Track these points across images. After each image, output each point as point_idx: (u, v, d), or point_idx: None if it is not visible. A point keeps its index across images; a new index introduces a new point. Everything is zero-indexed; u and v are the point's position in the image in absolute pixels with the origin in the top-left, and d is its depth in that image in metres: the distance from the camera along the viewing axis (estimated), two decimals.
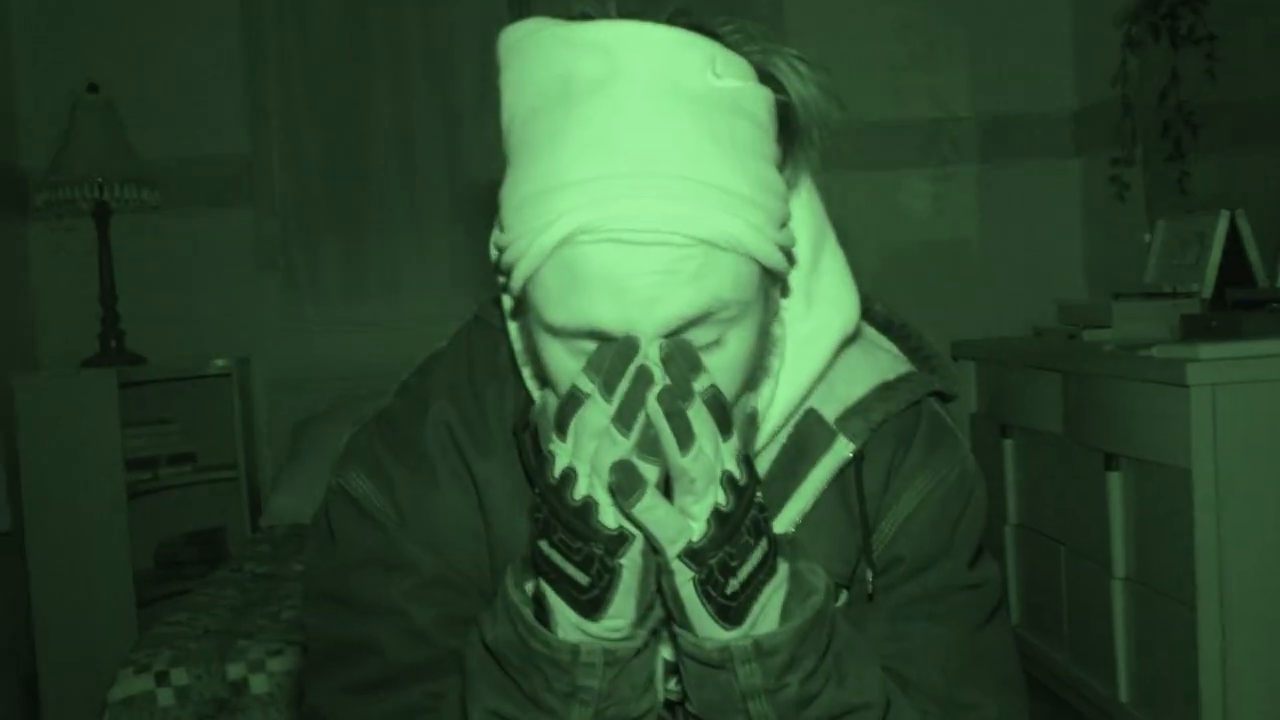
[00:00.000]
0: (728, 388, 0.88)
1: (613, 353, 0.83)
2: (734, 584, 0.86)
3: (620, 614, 0.88)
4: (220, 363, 3.61)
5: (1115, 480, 2.59)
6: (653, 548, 0.86)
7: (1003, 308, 3.88)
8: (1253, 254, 2.85)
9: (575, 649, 0.89)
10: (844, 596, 1.06)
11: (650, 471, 0.83)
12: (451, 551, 1.04)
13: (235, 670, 2.23)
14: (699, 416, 0.83)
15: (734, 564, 0.86)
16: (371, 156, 3.81)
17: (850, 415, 1.04)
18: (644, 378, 0.83)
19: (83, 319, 3.58)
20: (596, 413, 0.84)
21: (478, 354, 1.09)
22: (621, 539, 0.85)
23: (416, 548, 1.04)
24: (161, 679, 2.20)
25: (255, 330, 3.84)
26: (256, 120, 3.80)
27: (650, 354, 0.83)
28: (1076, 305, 3.25)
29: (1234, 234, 2.86)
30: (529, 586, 0.92)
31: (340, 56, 3.81)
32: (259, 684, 2.23)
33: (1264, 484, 2.27)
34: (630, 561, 0.86)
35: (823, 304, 1.03)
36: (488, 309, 1.12)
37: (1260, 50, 2.95)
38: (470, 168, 3.80)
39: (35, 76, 3.70)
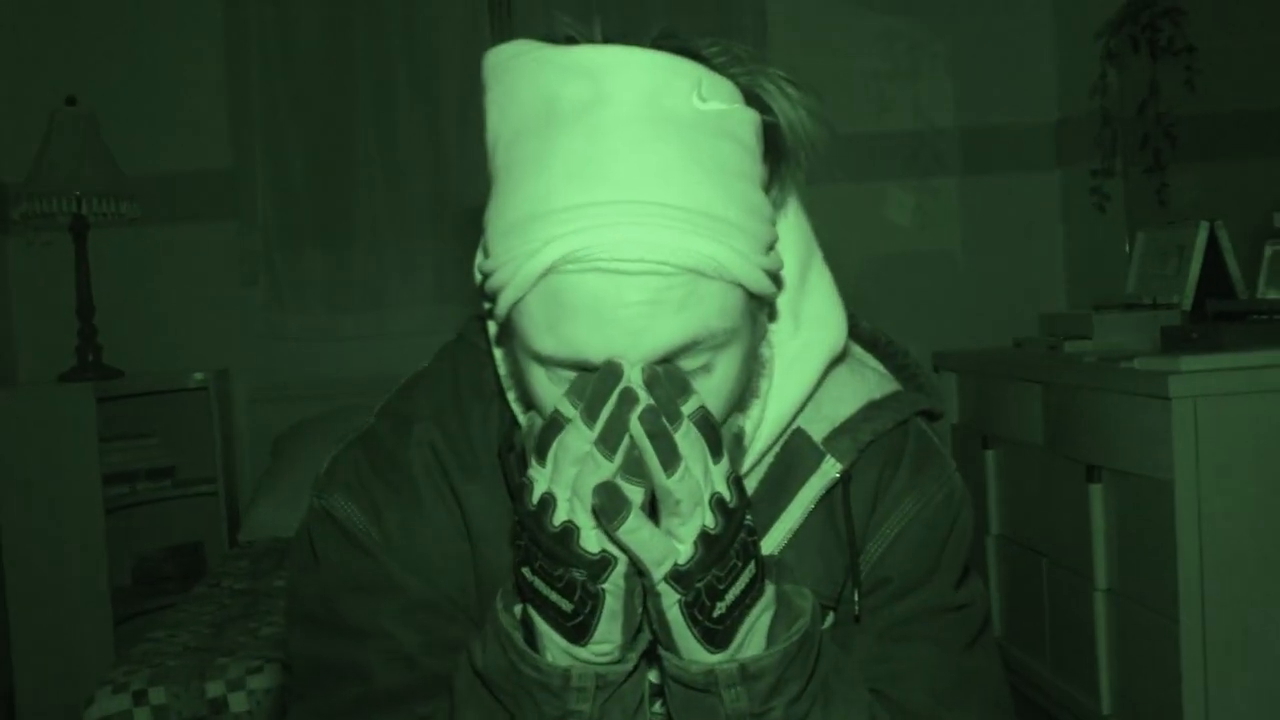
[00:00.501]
0: (716, 411, 0.87)
1: (596, 378, 0.83)
2: (721, 607, 0.86)
3: (606, 639, 0.87)
4: (199, 376, 3.58)
5: (1097, 492, 2.59)
6: (638, 571, 0.86)
7: (984, 319, 3.89)
8: (1232, 265, 2.86)
9: (566, 674, 0.88)
10: (830, 618, 1.05)
11: (635, 494, 0.82)
12: (437, 575, 1.03)
13: (214, 688, 2.21)
14: (687, 438, 0.82)
15: (721, 587, 0.85)
16: (355, 170, 3.79)
17: (838, 435, 1.04)
18: (628, 400, 0.82)
19: (60, 333, 3.56)
20: (577, 438, 0.83)
21: (462, 374, 1.08)
22: (604, 563, 0.84)
23: (401, 571, 1.03)
24: (139, 698, 2.18)
25: (235, 344, 3.81)
26: (239, 133, 3.77)
27: (633, 378, 0.83)
28: (1057, 316, 3.26)
29: (1213, 245, 2.87)
30: (518, 610, 0.91)
31: (324, 70, 3.79)
32: (238, 702, 2.21)
33: (1245, 496, 2.27)
34: (613, 586, 0.85)
35: (810, 324, 1.02)
36: (471, 328, 1.11)
37: (1239, 62, 2.96)
38: (454, 182, 3.78)
39: (13, 88, 3.68)
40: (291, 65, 3.78)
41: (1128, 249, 3.29)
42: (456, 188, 3.78)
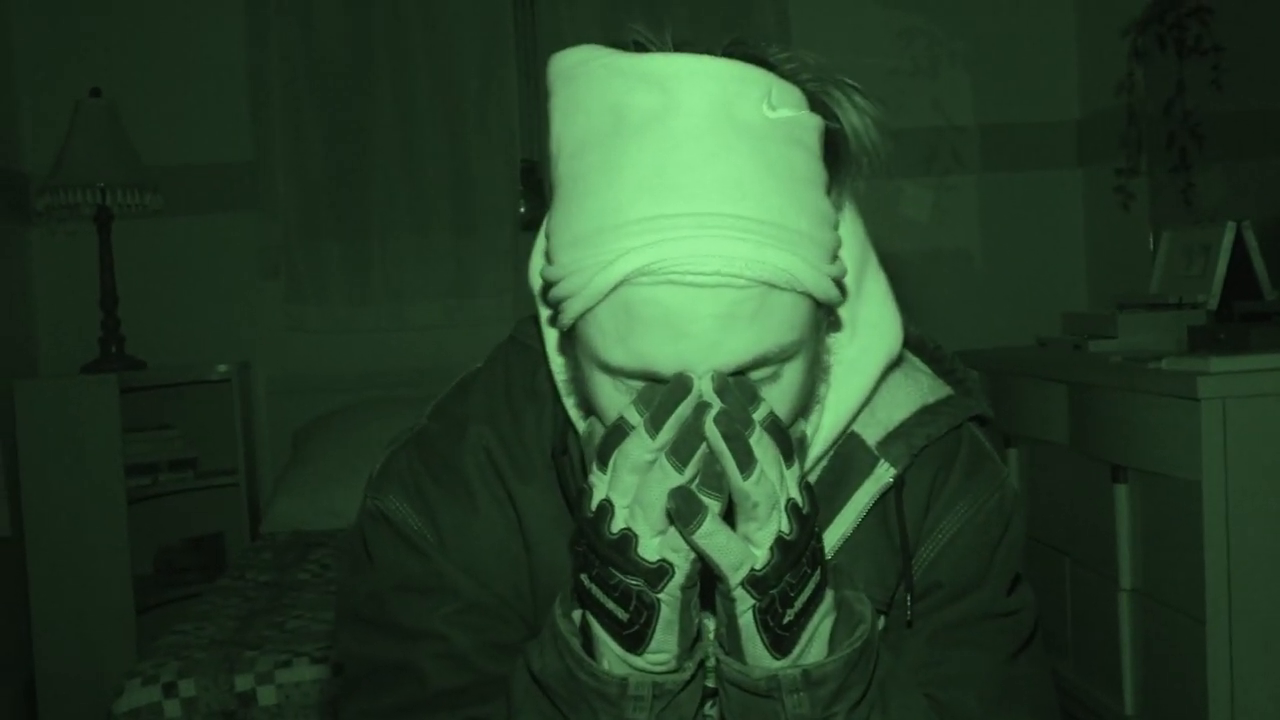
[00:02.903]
0: (783, 418, 0.87)
1: (665, 391, 0.82)
2: (790, 614, 0.86)
3: (663, 648, 0.87)
4: (221, 368, 3.59)
5: (1122, 492, 2.59)
6: (707, 579, 0.85)
7: (1006, 318, 3.89)
8: (1259, 265, 2.85)
9: (623, 682, 0.88)
10: (882, 621, 1.06)
11: (713, 505, 0.82)
12: (491, 576, 1.04)
13: (243, 682, 2.22)
14: (761, 443, 0.82)
15: (793, 594, 0.85)
16: (375, 161, 3.79)
17: (891, 439, 1.04)
18: (701, 410, 0.82)
19: (83, 324, 3.58)
20: (638, 446, 0.83)
21: (515, 376, 1.09)
22: (661, 572, 0.84)
23: (456, 572, 1.03)
24: (169, 690, 2.19)
25: (257, 336, 3.82)
26: (260, 125, 3.77)
27: (704, 388, 0.82)
28: (1081, 316, 3.25)
29: (1240, 245, 2.86)
30: (577, 616, 0.92)
31: (344, 61, 3.79)
32: (267, 696, 2.21)
33: (1274, 497, 2.26)
34: (669, 596, 0.85)
35: (867, 329, 1.02)
36: (524, 330, 1.11)
37: (1266, 61, 2.95)
38: (474, 174, 3.78)
39: (38, 80, 3.69)
40: (312, 58, 3.78)
41: (1152, 248, 3.28)
42: (477, 180, 3.77)
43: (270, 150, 3.78)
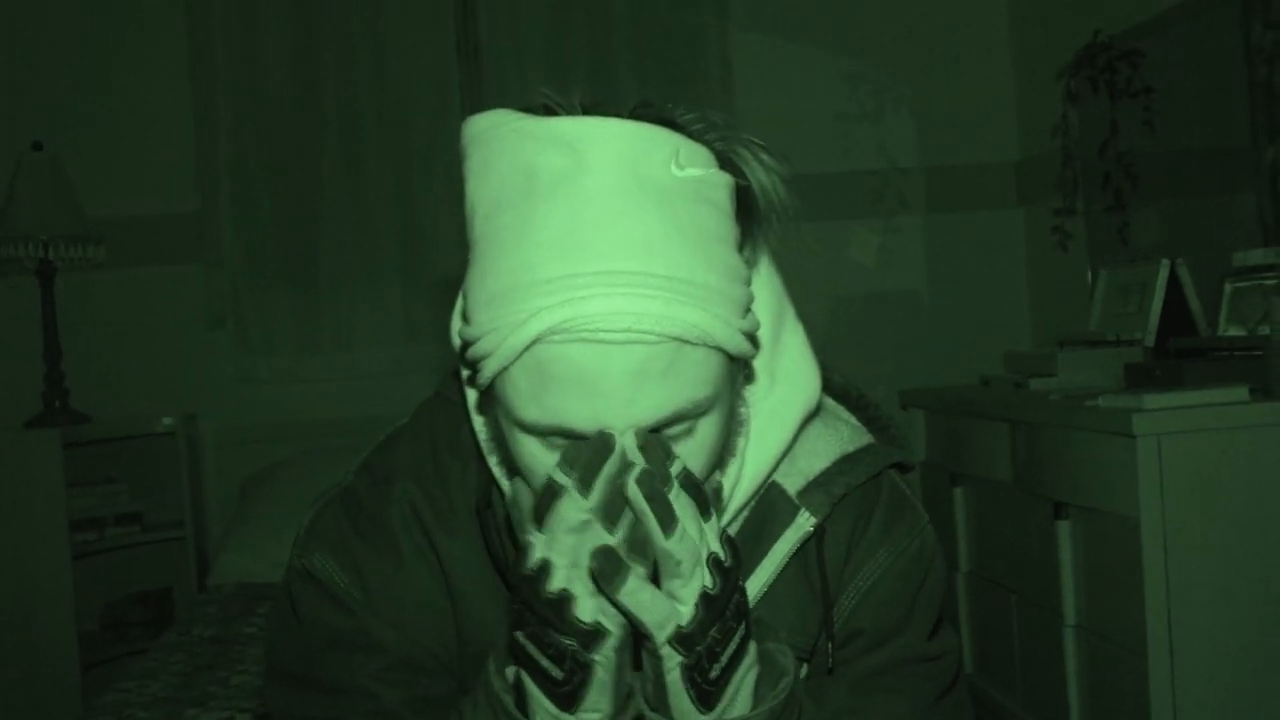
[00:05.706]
0: (698, 472, 0.89)
1: (588, 451, 0.83)
2: (716, 668, 0.87)
3: (595, 708, 0.88)
4: (167, 421, 3.56)
5: (1064, 529, 2.62)
6: (635, 637, 0.86)
7: (951, 357, 3.92)
8: (1193, 302, 2.90)
9: None
10: (804, 669, 1.07)
11: (638, 569, 0.83)
12: (418, 631, 1.04)
13: None
14: (679, 500, 0.83)
15: (719, 648, 0.86)
16: (323, 210, 3.79)
17: (812, 488, 1.05)
18: (626, 469, 0.83)
19: (26, 378, 3.53)
20: (572, 507, 0.84)
21: (440, 432, 1.09)
22: (596, 635, 0.85)
23: (383, 628, 1.03)
24: None
25: (204, 387, 3.79)
26: (205, 175, 3.76)
27: (627, 444, 0.84)
28: (1023, 354, 3.29)
29: (1174, 283, 2.90)
30: (510, 673, 0.92)
31: (291, 110, 3.79)
32: None
33: (1210, 532, 2.29)
34: (604, 658, 0.86)
35: (785, 381, 1.04)
36: (448, 385, 1.12)
37: (1196, 102, 3.02)
38: (422, 223, 3.79)
39: None
40: (258, 107, 3.78)
41: (1091, 286, 3.33)
42: (425, 229, 3.78)
43: (216, 200, 3.77)
